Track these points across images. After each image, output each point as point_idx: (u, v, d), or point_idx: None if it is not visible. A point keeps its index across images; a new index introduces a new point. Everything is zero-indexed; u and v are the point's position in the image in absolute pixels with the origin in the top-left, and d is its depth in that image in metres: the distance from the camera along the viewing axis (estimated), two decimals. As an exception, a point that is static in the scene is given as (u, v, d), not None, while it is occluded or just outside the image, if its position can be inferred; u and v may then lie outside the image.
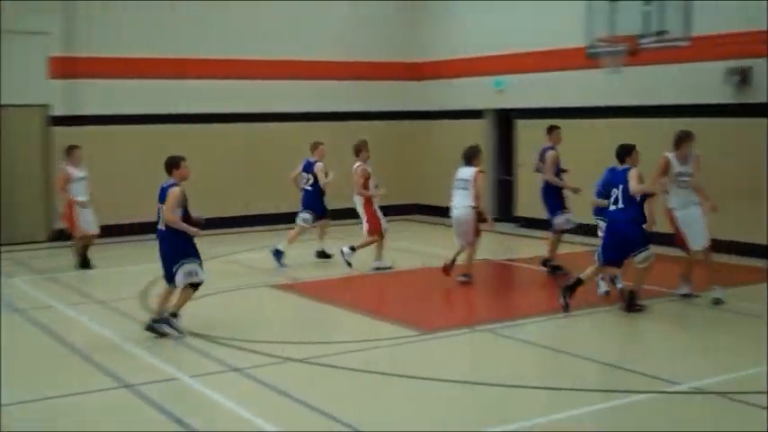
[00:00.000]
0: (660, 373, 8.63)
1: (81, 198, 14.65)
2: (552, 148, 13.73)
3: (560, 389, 8.33)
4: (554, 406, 7.82)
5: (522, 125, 19.25)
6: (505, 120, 20.05)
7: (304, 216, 15.07)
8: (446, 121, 21.12)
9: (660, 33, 13.85)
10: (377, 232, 14.28)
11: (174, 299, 10.33)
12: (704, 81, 15.31)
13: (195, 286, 10.35)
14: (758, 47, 14.49)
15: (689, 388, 8.18)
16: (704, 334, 10.56)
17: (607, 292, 11.80)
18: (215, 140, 19.39)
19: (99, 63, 18.21)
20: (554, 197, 13.76)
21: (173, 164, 10.29)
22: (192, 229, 10.21)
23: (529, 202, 16.25)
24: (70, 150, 14.87)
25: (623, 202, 11.00)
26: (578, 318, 11.05)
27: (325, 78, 20.68)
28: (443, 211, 20.29)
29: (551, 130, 13.93)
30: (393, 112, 21.71)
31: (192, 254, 10.27)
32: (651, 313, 11.06)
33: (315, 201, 15.08)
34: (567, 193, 13.77)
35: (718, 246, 14.78)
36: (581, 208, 13.28)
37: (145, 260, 15.08)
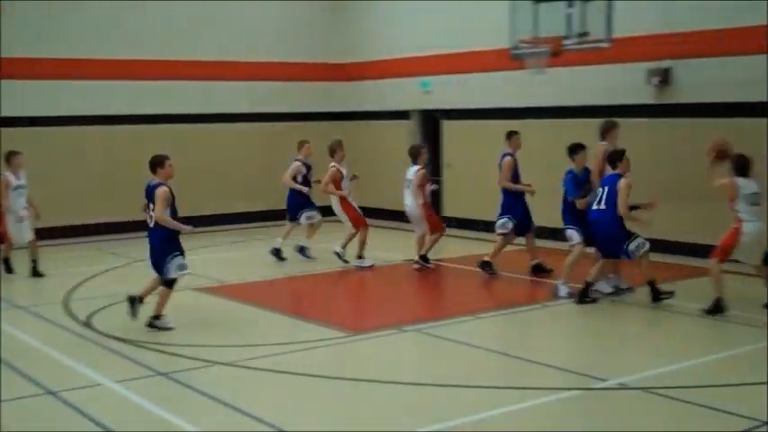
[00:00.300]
0: (587, 369, 8.73)
1: (17, 208, 13.93)
2: (511, 154, 13.55)
3: (487, 387, 8.37)
4: (480, 405, 7.83)
5: (447, 126, 19.34)
6: (431, 120, 20.13)
7: (308, 213, 15.11)
8: (373, 122, 21.13)
9: (582, 35, 14.06)
10: (361, 222, 14.45)
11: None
12: (626, 82, 15.56)
13: (171, 285, 10.56)
14: (677, 47, 14.77)
15: (615, 384, 8.29)
16: (632, 331, 10.72)
17: (616, 288, 11.97)
18: (143, 142, 19.05)
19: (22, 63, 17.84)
20: (510, 202, 13.64)
21: (157, 163, 10.47)
22: (185, 228, 10.53)
23: (456, 202, 16.36)
24: (9, 156, 14.07)
25: (605, 204, 11.24)
26: (506, 316, 11.14)
27: (252, 79, 20.52)
28: (369, 212, 20.44)
29: (510, 135, 13.70)
30: (320, 112, 21.62)
31: (181, 249, 10.56)
32: (580, 310, 11.19)
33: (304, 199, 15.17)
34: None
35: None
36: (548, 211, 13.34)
37: (79, 264, 14.90)
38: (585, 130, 13.00)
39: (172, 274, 10.52)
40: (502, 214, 13.56)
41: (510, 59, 15.08)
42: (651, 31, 15.08)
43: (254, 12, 20.52)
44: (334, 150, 14.64)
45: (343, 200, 14.51)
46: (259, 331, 10.77)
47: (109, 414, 7.63)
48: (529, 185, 13.59)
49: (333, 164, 14.54)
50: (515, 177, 13.57)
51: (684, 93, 14.90)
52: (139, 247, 16.71)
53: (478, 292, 12.99)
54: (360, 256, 14.37)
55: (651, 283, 11.34)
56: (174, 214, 10.52)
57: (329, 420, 7.49)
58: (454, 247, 15.65)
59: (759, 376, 8.44)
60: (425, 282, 13.58)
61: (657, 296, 11.32)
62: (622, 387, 8.23)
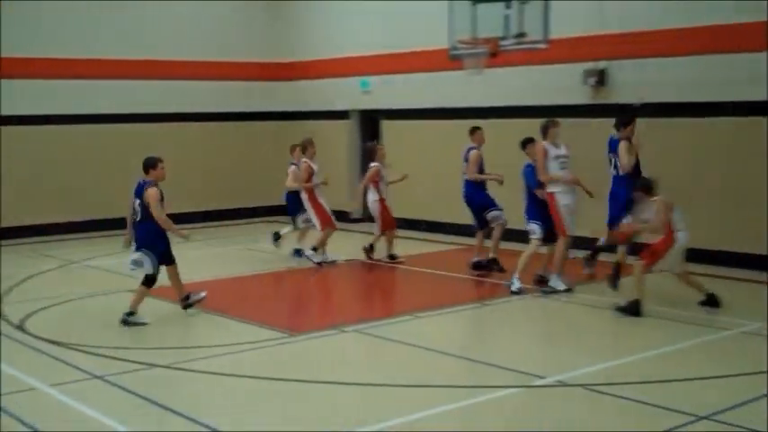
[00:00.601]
0: (526, 367, 8.78)
1: None
2: (476, 148, 13.72)
3: (427, 386, 8.38)
4: (420, 404, 7.83)
5: (387, 126, 19.34)
6: (371, 121, 20.12)
7: (305, 216, 14.98)
8: (312, 122, 21.04)
9: (520, 36, 14.17)
10: (329, 224, 14.39)
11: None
12: (563, 82, 15.71)
13: (150, 283, 10.87)
14: (612, 48, 14.96)
15: (554, 381, 8.35)
16: (570, 328, 10.79)
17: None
18: (81, 141, 18.83)
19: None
20: (483, 195, 13.81)
21: (150, 164, 11.07)
22: (182, 233, 11.08)
23: (397, 202, 16.28)
24: None
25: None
26: (444, 316, 11.16)
27: (191, 79, 20.32)
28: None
29: (474, 131, 13.93)
30: (259, 112, 21.51)
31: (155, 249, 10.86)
32: (518, 308, 11.26)
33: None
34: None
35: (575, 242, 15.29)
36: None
37: (11, 266, 14.60)
38: (524, 130, 13.09)
39: (151, 270, 10.81)
40: (490, 207, 13.74)
41: (449, 60, 15.15)
42: (587, 32, 15.24)
43: (192, 10, 20.32)
44: (306, 147, 14.70)
45: (313, 199, 14.43)
46: (198, 333, 10.66)
47: (43, 418, 7.49)
48: (499, 175, 13.74)
49: (304, 159, 14.54)
50: (481, 171, 13.76)
51: (620, 93, 15.08)
52: (74, 249, 16.57)
53: (419, 292, 13.00)
54: (314, 249, 14.37)
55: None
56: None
57: (266, 421, 7.43)
58: (396, 247, 15.59)
59: (696, 372, 8.59)
60: (367, 282, 13.57)
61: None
62: (561, 384, 8.29)
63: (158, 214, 10.79)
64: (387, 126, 19.37)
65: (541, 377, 8.46)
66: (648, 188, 10.87)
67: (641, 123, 14.11)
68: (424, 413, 7.52)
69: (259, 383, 8.48)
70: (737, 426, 7.09)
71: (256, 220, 20.84)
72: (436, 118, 17.84)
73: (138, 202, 10.91)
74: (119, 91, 19.34)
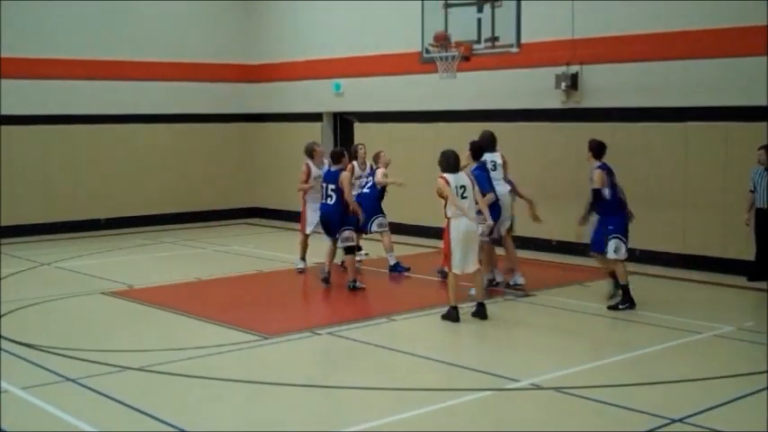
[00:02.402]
0: (499, 370, 8.82)
1: None
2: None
3: (398, 389, 8.38)
4: (391, 407, 7.84)
5: (360, 129, 19.33)
6: (344, 123, 20.13)
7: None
8: (285, 124, 21.01)
9: (492, 40, 14.26)
10: (302, 229, 14.08)
11: None
12: (536, 86, 15.79)
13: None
14: (583, 52, 15.06)
15: (528, 384, 8.39)
16: (542, 331, 10.83)
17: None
18: (49, 143, 18.69)
19: None
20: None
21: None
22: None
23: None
24: None
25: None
26: (418, 318, 11.18)
27: (161, 79, 20.23)
28: (281, 214, 20.37)
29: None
30: (231, 114, 21.46)
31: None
32: (492, 311, 11.28)
33: None
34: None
35: (543, 245, 15.42)
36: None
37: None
38: (497, 134, 13.12)
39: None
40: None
41: (421, 63, 15.20)
42: (559, 36, 15.33)
43: (162, 10, 20.23)
44: (312, 152, 14.09)
45: (304, 202, 14.07)
46: (172, 335, 10.60)
47: (16, 421, 7.43)
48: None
49: (306, 162, 14.07)
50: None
51: (592, 97, 15.18)
52: (45, 250, 16.43)
53: (393, 295, 13.02)
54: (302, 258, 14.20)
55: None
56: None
57: (235, 423, 7.43)
58: (371, 249, 15.61)
59: (666, 375, 8.66)
60: (341, 285, 13.54)
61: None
62: (535, 387, 8.33)
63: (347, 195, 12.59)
64: (359, 129, 19.37)
65: (515, 380, 8.49)
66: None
67: (615, 128, 14.30)
68: (396, 416, 7.52)
69: (233, 386, 8.44)
70: (710, 428, 7.16)
71: (235, 221, 20.81)
72: (409, 121, 17.87)
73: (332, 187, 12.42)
74: (91, 91, 19.23)
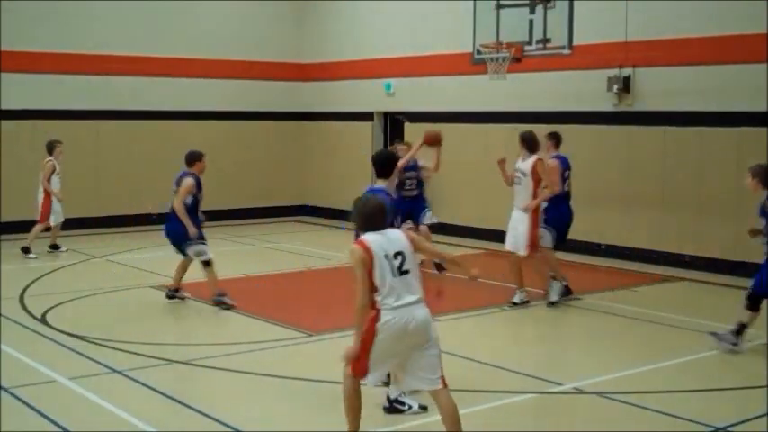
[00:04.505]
0: (542, 373, 8.79)
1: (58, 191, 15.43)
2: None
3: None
4: (434, 407, 7.78)
5: (410, 129, 19.34)
6: (395, 123, 20.17)
7: None
8: (336, 123, 21.11)
9: (544, 41, 14.18)
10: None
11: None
12: (587, 88, 15.68)
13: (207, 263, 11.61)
14: (637, 56, 14.92)
15: (570, 388, 8.36)
16: (587, 335, 10.79)
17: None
18: (105, 138, 18.96)
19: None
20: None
21: (195, 158, 11.56)
22: (192, 229, 11.36)
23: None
24: (54, 145, 15.34)
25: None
26: (461, 320, 11.17)
27: (215, 77, 20.41)
28: (331, 213, 20.46)
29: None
30: (284, 112, 21.60)
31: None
32: (532, 315, 11.25)
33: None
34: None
35: (593, 249, 15.29)
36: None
37: (36, 259, 14.74)
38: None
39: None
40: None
41: (472, 64, 15.18)
42: (612, 39, 15.21)
43: (221, 10, 20.44)
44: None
45: None
46: (218, 331, 10.72)
47: (62, 411, 7.56)
48: None
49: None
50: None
51: (644, 101, 15.04)
52: (96, 244, 16.69)
53: (436, 295, 13.04)
54: None
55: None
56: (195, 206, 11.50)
57: (288, 421, 7.47)
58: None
59: (711, 383, 8.57)
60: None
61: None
62: (578, 391, 8.29)
63: (177, 204, 11.34)
64: (410, 129, 19.38)
65: (558, 383, 8.46)
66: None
67: (667, 132, 14.15)
68: (436, 417, 7.46)
69: (278, 382, 8.51)
70: (753, 437, 7.10)
71: (285, 219, 20.95)
72: (459, 122, 17.85)
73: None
74: (147, 87, 19.49)
